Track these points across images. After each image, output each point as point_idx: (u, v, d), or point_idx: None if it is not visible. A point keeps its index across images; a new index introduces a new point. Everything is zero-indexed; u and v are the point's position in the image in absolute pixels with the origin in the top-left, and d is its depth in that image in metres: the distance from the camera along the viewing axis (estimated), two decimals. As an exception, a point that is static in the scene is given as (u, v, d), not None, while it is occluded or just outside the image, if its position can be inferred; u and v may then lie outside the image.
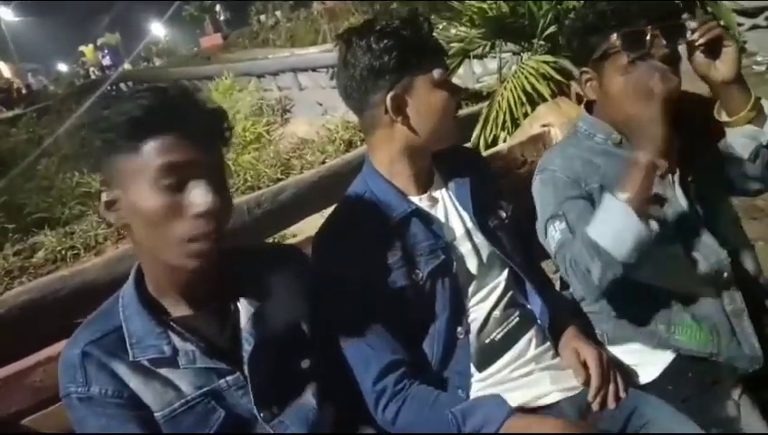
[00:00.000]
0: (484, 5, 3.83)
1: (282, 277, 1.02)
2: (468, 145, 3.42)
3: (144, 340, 0.89)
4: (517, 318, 1.23)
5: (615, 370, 1.23)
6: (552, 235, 1.26)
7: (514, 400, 1.15)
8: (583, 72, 1.32)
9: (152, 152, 0.83)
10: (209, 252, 0.86)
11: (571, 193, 1.27)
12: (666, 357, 1.31)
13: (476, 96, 4.38)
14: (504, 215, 1.31)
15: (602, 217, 1.15)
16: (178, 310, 0.94)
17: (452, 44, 3.96)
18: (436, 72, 1.16)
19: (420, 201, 1.22)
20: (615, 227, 1.12)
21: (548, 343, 1.26)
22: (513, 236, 1.30)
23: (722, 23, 3.30)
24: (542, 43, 3.72)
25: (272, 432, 0.93)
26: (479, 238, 1.24)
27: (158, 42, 28.27)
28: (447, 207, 1.25)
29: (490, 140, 3.67)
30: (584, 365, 1.21)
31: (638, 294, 1.28)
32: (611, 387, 1.19)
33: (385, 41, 1.12)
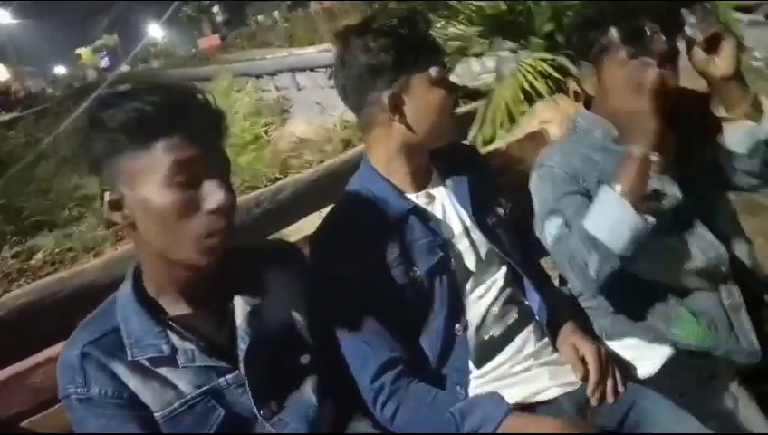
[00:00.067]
0: (482, 4, 3.84)
1: (279, 275, 1.02)
2: (466, 143, 3.42)
3: (142, 339, 0.89)
4: (515, 315, 1.24)
5: (613, 365, 1.23)
6: (549, 230, 1.27)
7: (513, 396, 1.15)
8: (583, 67, 1.32)
9: (164, 149, 0.83)
10: (222, 248, 0.88)
11: (569, 189, 1.27)
12: (664, 352, 1.31)
13: (475, 94, 4.37)
14: (502, 212, 1.31)
15: (598, 209, 1.15)
16: (177, 309, 0.94)
17: (450, 43, 3.97)
18: (434, 71, 1.16)
19: (418, 199, 1.23)
20: (611, 219, 1.13)
21: (546, 339, 1.26)
22: (512, 233, 1.31)
23: (720, 19, 3.30)
24: (539, 40, 3.72)
25: (272, 431, 0.92)
26: (477, 235, 1.24)
27: (156, 43, 28.27)
28: (445, 204, 1.25)
29: (488, 138, 3.67)
30: (583, 360, 1.21)
31: (636, 289, 1.28)
32: (610, 382, 1.20)
33: (382, 39, 1.13)
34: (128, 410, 0.87)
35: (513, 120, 3.58)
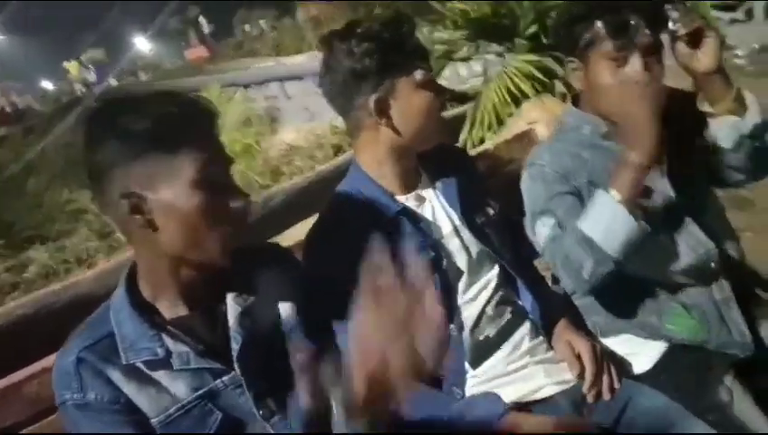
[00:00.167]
0: (467, 7, 3.86)
1: (271, 276, 1.02)
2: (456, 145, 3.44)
3: (136, 343, 0.89)
4: (509, 314, 1.24)
5: (609, 361, 1.24)
6: (541, 230, 1.26)
7: (509, 395, 1.15)
8: (569, 62, 1.32)
9: (188, 153, 0.85)
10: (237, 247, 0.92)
11: (560, 189, 1.27)
12: (658, 347, 1.31)
13: (463, 98, 4.40)
14: (491, 212, 1.32)
15: (594, 213, 1.15)
16: (173, 311, 0.94)
17: (436, 47, 3.99)
18: (418, 74, 1.17)
19: (407, 201, 1.23)
20: (607, 223, 1.13)
21: (541, 338, 1.26)
22: (502, 233, 1.31)
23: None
24: (524, 42, 3.75)
25: (271, 431, 0.93)
26: (467, 235, 1.24)
27: (143, 56, 28.20)
28: (434, 205, 1.25)
29: (477, 142, 3.69)
30: (578, 358, 1.22)
31: (628, 285, 1.28)
32: (606, 378, 1.21)
33: (365, 44, 1.13)
34: (124, 415, 0.87)
35: (500, 122, 3.60)
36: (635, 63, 1.21)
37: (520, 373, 1.20)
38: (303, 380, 0.94)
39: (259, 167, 5.84)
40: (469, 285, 1.22)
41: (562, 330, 1.28)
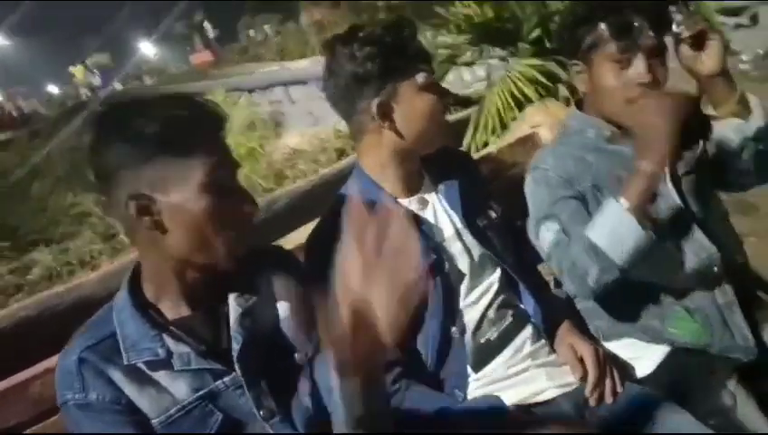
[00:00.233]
0: (470, 11, 3.87)
1: (272, 277, 1.03)
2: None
3: (138, 343, 0.89)
4: (511, 318, 1.24)
5: (611, 365, 1.24)
6: (545, 235, 1.26)
7: (511, 397, 1.16)
8: (573, 65, 1.32)
9: (198, 157, 0.86)
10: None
11: (564, 193, 1.27)
12: (661, 350, 1.31)
13: (466, 102, 4.41)
14: (493, 215, 1.32)
15: (602, 220, 1.15)
16: (176, 312, 0.94)
17: (440, 51, 4.00)
18: (420, 77, 1.17)
19: (410, 204, 1.23)
20: (615, 231, 1.13)
21: (543, 341, 1.26)
22: (504, 237, 1.31)
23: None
24: (527, 46, 3.76)
25: (271, 432, 0.92)
26: (469, 238, 1.24)
27: (149, 60, 28.32)
28: (437, 208, 1.26)
29: (480, 146, 3.69)
30: (581, 361, 1.22)
31: (631, 289, 1.27)
32: (608, 382, 1.20)
33: (367, 48, 1.14)
34: (125, 415, 0.87)
35: (504, 126, 3.60)
36: (639, 65, 1.21)
37: (521, 376, 1.20)
38: (306, 380, 0.94)
39: (263, 170, 5.85)
40: (471, 288, 1.22)
41: (565, 333, 1.28)
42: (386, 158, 1.21)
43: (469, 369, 1.19)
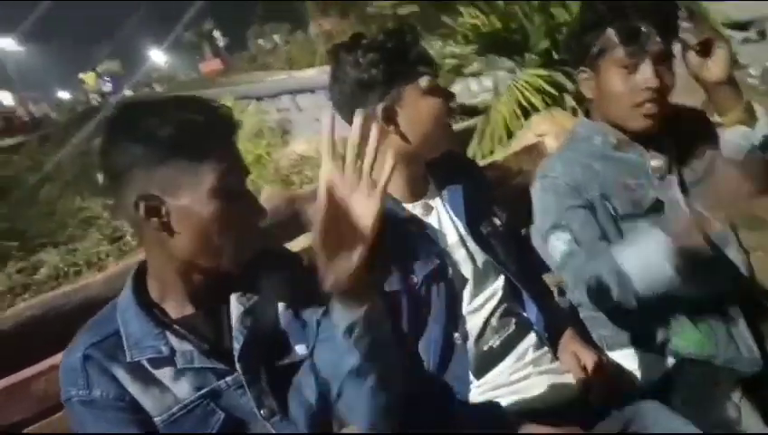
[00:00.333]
0: (477, 22, 3.89)
1: (274, 276, 1.03)
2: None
3: (141, 341, 0.90)
4: (514, 326, 1.24)
5: (615, 373, 1.24)
6: (555, 244, 1.26)
7: (511, 403, 1.16)
8: (581, 72, 1.33)
9: (210, 161, 0.87)
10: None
11: (573, 202, 1.27)
12: (665, 361, 1.31)
13: (473, 111, 4.42)
14: (498, 222, 1.32)
15: (639, 250, 1.14)
16: (179, 311, 0.95)
17: (447, 61, 4.02)
18: (424, 81, 1.19)
19: (414, 208, 1.24)
20: (648, 266, 1.11)
21: (545, 348, 1.26)
22: (508, 245, 1.31)
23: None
24: (534, 57, 3.77)
25: (272, 431, 0.93)
26: (473, 245, 1.25)
27: (158, 68, 28.58)
28: (441, 214, 1.26)
29: (487, 154, 3.70)
30: (584, 369, 1.22)
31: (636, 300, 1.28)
32: (611, 391, 1.20)
33: (371, 54, 1.15)
34: (128, 413, 0.87)
35: (510, 135, 3.61)
36: (646, 70, 1.21)
37: (522, 383, 1.20)
38: (308, 380, 0.95)
39: (270, 176, 5.86)
40: (474, 295, 1.23)
41: (568, 341, 1.28)
42: None
43: (471, 376, 1.19)
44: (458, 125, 4.34)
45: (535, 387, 1.20)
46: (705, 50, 1.19)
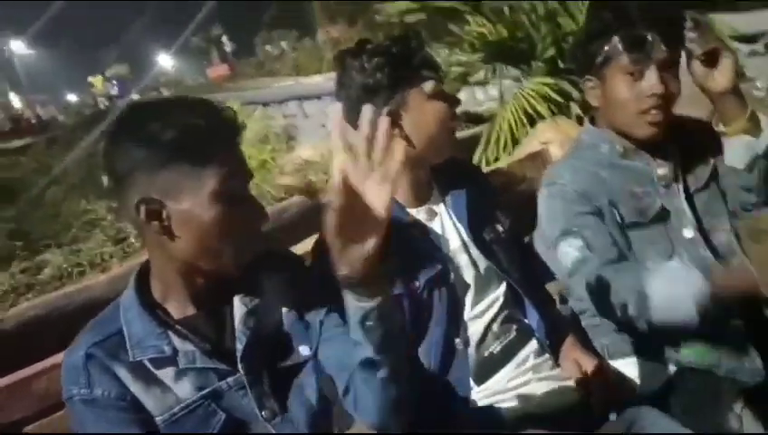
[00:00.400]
0: (484, 30, 3.90)
1: (277, 278, 1.03)
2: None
3: (144, 341, 0.90)
4: (515, 332, 1.24)
5: (616, 381, 1.23)
6: (567, 251, 1.24)
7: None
8: (587, 80, 1.33)
9: (212, 165, 0.86)
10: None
11: (582, 209, 1.26)
12: (666, 370, 1.30)
13: (478, 119, 4.43)
14: (500, 229, 1.32)
15: (670, 282, 1.13)
16: (182, 311, 0.95)
17: (453, 69, 4.02)
18: (428, 85, 1.20)
19: (418, 213, 1.24)
20: (675, 301, 1.11)
21: (546, 355, 1.26)
22: (511, 252, 1.31)
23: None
24: (540, 65, 3.77)
25: (272, 432, 0.93)
26: (475, 251, 1.25)
27: (166, 72, 28.74)
28: (444, 219, 1.26)
29: (492, 161, 3.70)
30: (585, 376, 1.21)
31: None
32: (612, 398, 1.20)
33: (375, 59, 1.17)
34: (130, 413, 0.88)
35: (516, 142, 3.61)
36: (651, 77, 1.21)
37: (521, 390, 1.20)
38: (309, 381, 0.94)
39: (274, 180, 5.88)
40: (476, 301, 1.23)
41: (569, 348, 1.28)
42: None
43: (471, 382, 1.19)
44: (464, 133, 4.35)
45: (536, 393, 1.19)
46: (710, 60, 1.19)
